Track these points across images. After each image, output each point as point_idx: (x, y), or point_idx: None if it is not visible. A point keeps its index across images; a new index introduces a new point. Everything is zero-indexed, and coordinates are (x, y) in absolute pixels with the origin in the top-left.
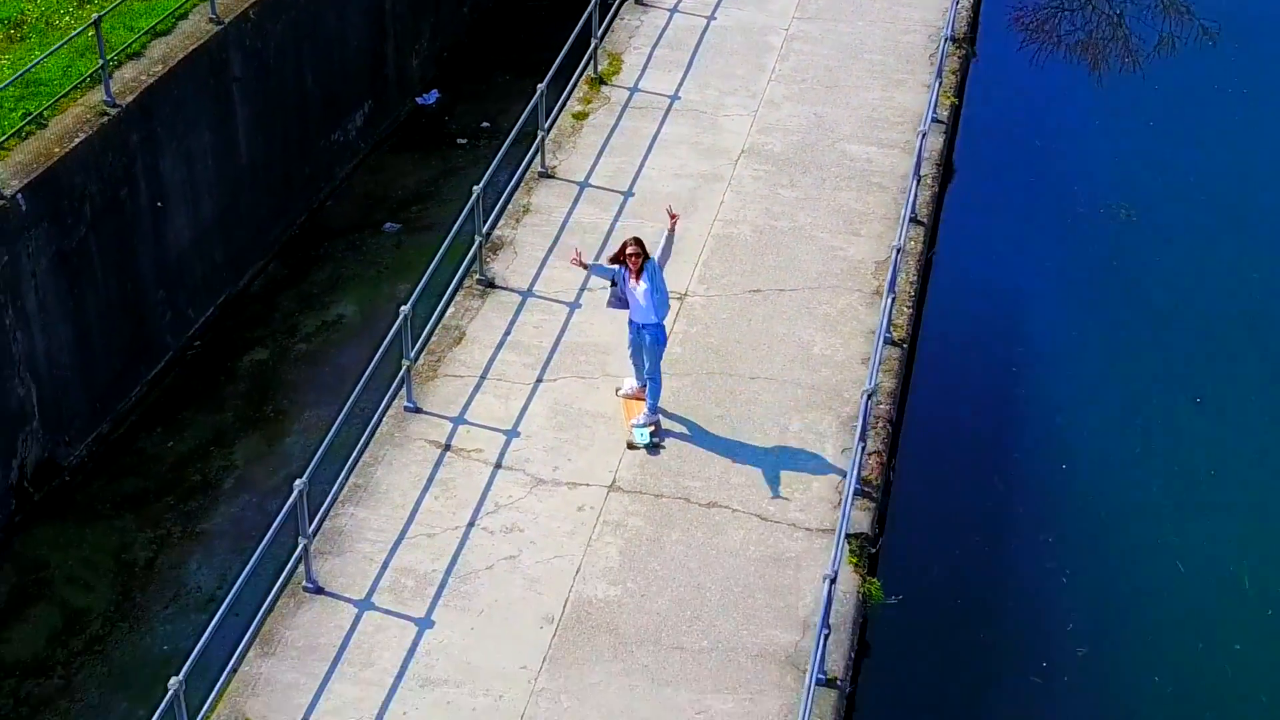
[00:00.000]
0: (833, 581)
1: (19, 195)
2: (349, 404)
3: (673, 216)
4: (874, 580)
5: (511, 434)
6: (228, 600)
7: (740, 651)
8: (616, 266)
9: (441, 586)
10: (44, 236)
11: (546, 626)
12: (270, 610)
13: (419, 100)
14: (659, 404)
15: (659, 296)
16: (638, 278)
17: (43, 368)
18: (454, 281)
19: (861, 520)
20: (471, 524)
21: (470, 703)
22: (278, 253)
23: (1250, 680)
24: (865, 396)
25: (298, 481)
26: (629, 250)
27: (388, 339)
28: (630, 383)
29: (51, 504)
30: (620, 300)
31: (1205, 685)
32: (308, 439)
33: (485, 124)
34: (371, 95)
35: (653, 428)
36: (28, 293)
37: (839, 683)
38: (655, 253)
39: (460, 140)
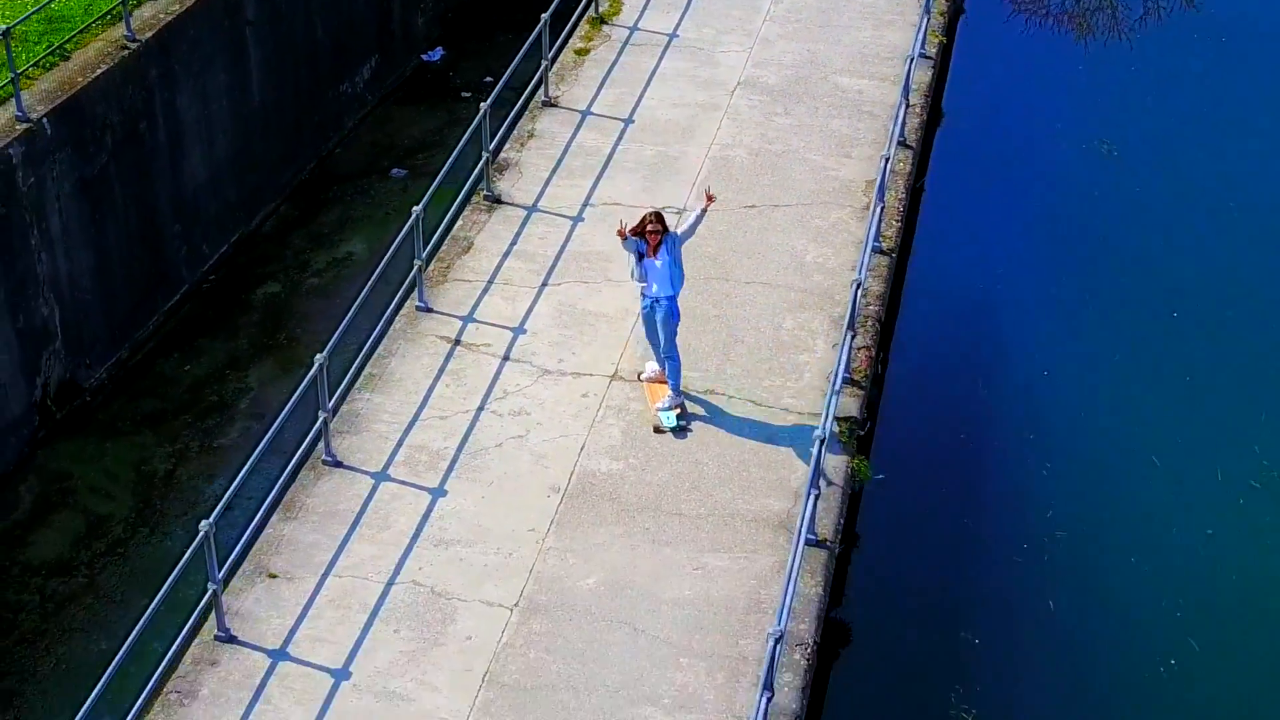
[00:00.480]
0: (823, 443)
1: (44, 120)
2: (363, 295)
3: (709, 198)
4: (862, 458)
5: (518, 331)
6: (250, 461)
7: (736, 517)
8: (637, 238)
9: (453, 461)
10: (68, 162)
11: (553, 495)
12: (291, 481)
13: (424, 57)
14: (681, 385)
15: (676, 270)
16: (655, 252)
17: (65, 290)
18: (460, 196)
19: (850, 405)
20: (481, 408)
21: (482, 560)
22: (288, 196)
23: (1228, 571)
24: (855, 286)
25: (318, 356)
26: (648, 226)
27: (398, 238)
28: (652, 366)
29: (73, 421)
30: (640, 273)
31: (1178, 568)
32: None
33: (488, 79)
34: (378, 50)
35: (678, 410)
36: (52, 215)
37: (828, 543)
38: (682, 227)
39: (465, 94)
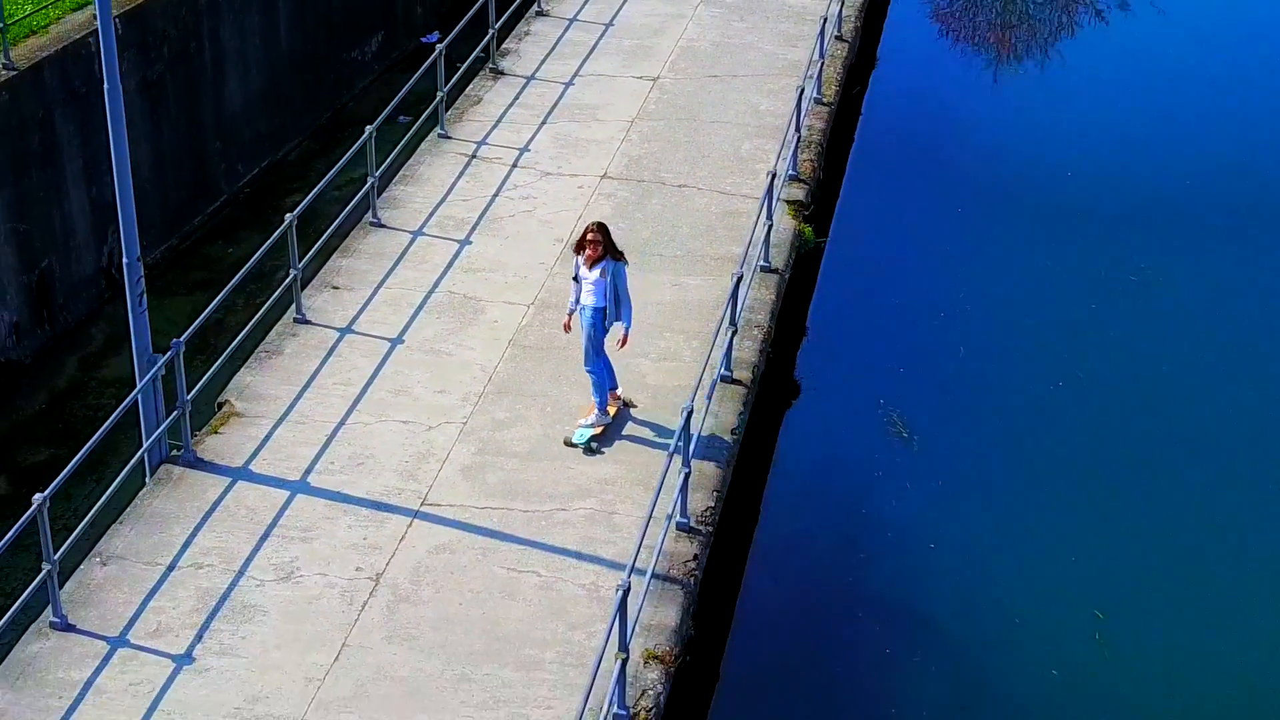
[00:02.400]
0: (772, 176)
1: (118, 19)
2: (386, 111)
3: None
4: (807, 226)
5: (523, 150)
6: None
7: (705, 257)
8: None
9: (475, 225)
10: (133, 61)
11: (557, 244)
12: (346, 236)
13: (422, 39)
14: (608, 404)
15: (612, 293)
16: (592, 265)
17: (132, 170)
18: (465, 65)
19: (798, 193)
20: (496, 195)
21: (502, 279)
22: (310, 135)
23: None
24: (798, 92)
25: (368, 127)
26: (588, 236)
27: (421, 69)
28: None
29: None
30: (575, 291)
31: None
32: None
33: (482, 55)
34: (384, 28)
35: (598, 430)
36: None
37: (781, 270)
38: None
39: (459, 64)
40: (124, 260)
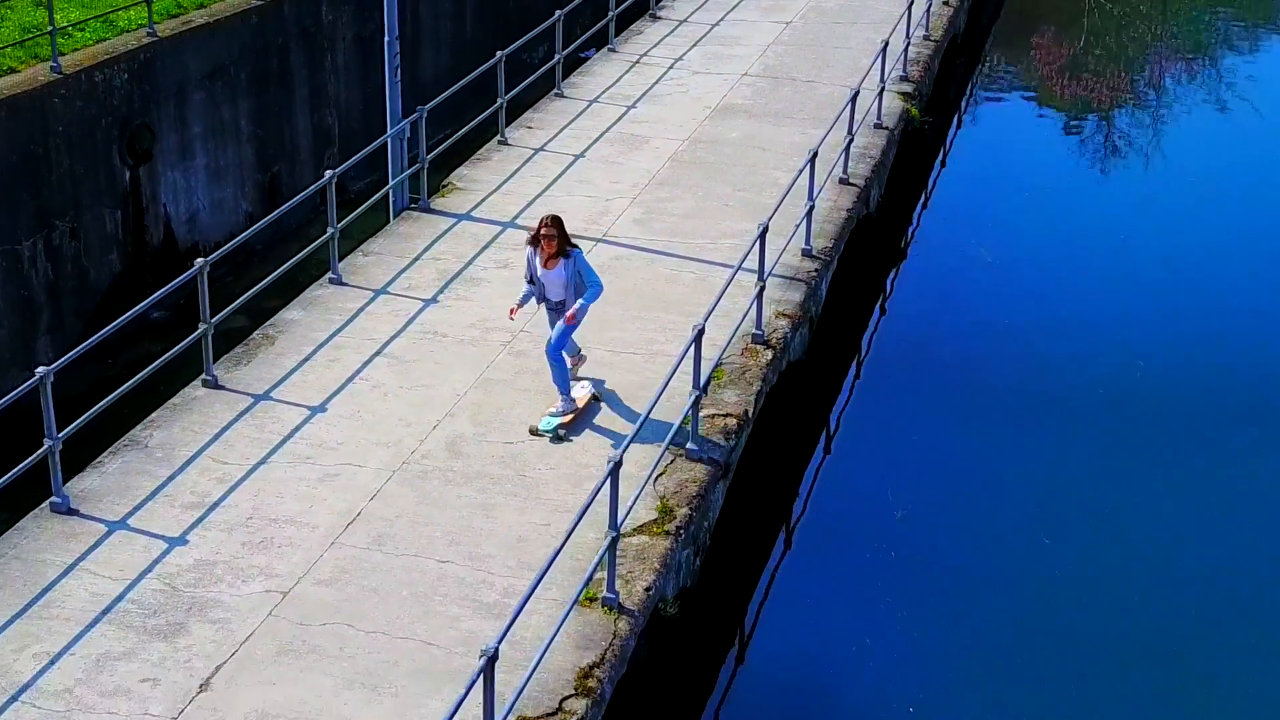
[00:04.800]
0: (882, 92)
1: None
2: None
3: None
4: (914, 107)
5: (678, 60)
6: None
7: (827, 119)
8: (529, 249)
9: (639, 98)
10: (350, 16)
11: (705, 110)
12: (535, 107)
13: (582, 54)
14: (570, 390)
15: (574, 281)
16: (549, 263)
17: (342, 111)
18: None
19: (907, 87)
20: (656, 82)
21: (661, 127)
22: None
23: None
24: (906, 43)
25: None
26: (542, 230)
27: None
28: (584, 386)
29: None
30: (532, 293)
31: None
32: None
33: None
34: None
35: (567, 417)
36: (339, 52)
37: (891, 129)
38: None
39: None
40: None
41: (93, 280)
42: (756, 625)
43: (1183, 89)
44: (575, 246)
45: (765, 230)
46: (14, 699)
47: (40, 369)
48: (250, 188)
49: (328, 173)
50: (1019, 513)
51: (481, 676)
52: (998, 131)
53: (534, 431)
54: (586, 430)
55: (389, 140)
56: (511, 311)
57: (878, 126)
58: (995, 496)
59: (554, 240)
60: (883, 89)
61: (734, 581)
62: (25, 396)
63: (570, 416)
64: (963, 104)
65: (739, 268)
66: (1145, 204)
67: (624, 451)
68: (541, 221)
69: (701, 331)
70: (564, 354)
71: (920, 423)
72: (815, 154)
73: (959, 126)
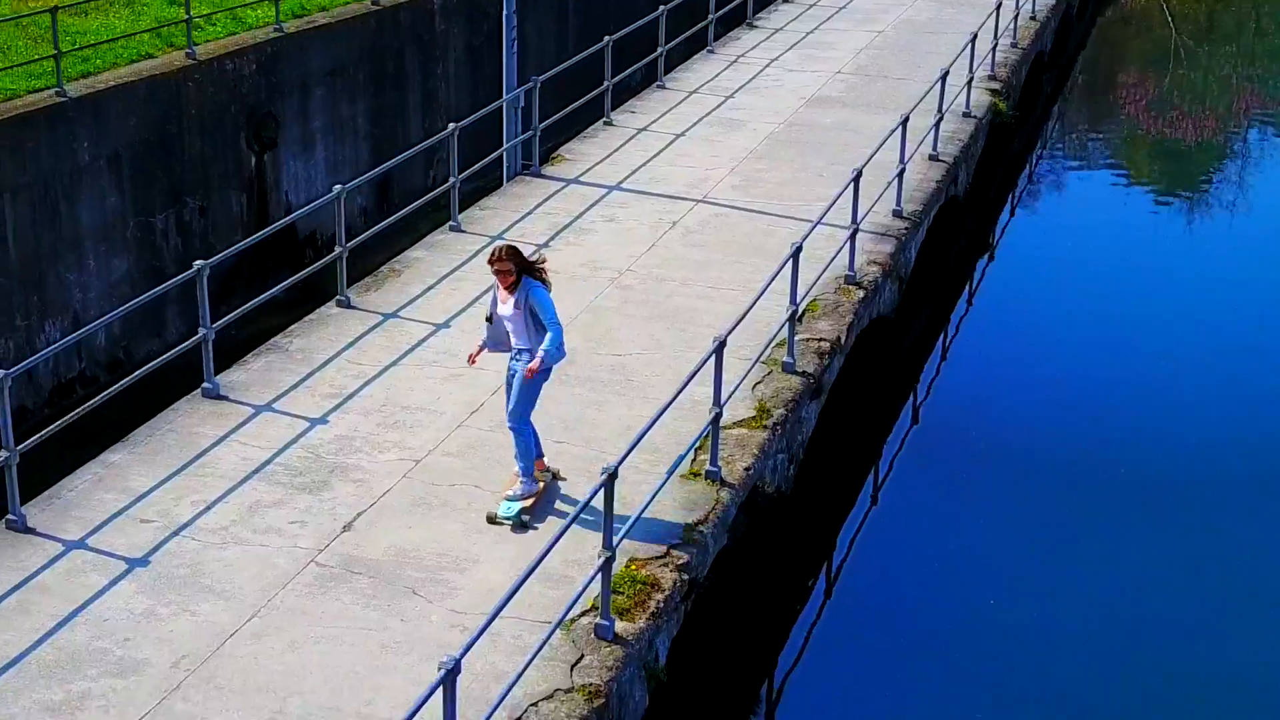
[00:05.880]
0: (971, 82)
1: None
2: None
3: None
4: (1001, 101)
5: (774, 60)
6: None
7: (919, 111)
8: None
9: (737, 89)
10: (461, 27)
11: (799, 100)
12: (635, 95)
13: None
14: (533, 471)
15: (535, 324)
16: (507, 294)
17: (453, 119)
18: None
19: (995, 85)
20: (753, 78)
21: (758, 112)
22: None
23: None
24: (995, 18)
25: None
26: (494, 267)
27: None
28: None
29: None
30: (496, 340)
31: None
32: None
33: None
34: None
35: (528, 501)
36: (449, 61)
37: (979, 118)
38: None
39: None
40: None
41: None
42: (851, 535)
43: (1271, 137)
44: (536, 277)
45: (859, 175)
46: (175, 534)
47: (198, 262)
48: (366, 186)
49: (450, 125)
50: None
51: (603, 490)
52: (1081, 156)
53: (492, 519)
54: (686, 343)
55: (504, 106)
56: (471, 357)
57: (965, 115)
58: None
59: (510, 275)
60: (971, 78)
61: (826, 494)
62: (180, 292)
63: (532, 500)
64: (1048, 124)
65: (825, 214)
66: (1229, 255)
67: (728, 335)
68: (494, 252)
69: (799, 251)
70: (530, 426)
71: (1011, 405)
72: (907, 118)
73: (1044, 148)
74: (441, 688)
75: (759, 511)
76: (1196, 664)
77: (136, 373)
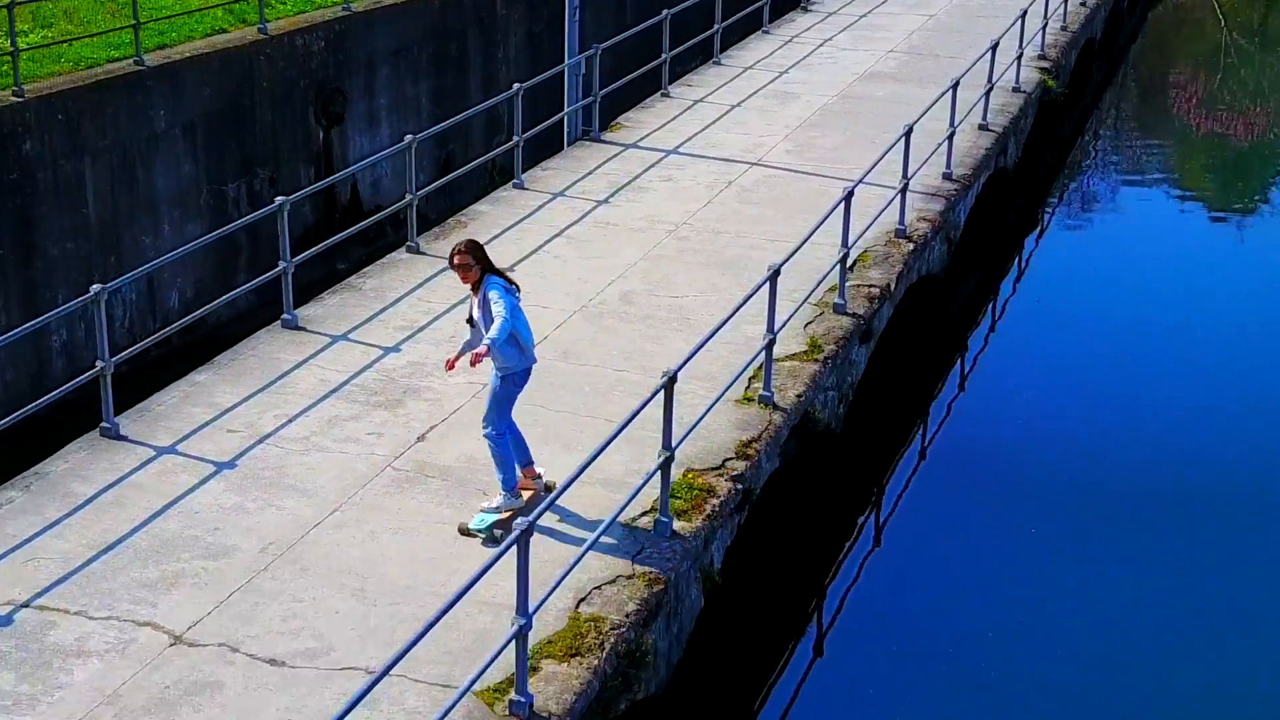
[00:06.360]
0: (1020, 58)
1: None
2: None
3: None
4: (1050, 79)
5: (827, 40)
6: None
7: (968, 85)
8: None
9: (791, 66)
10: (521, 13)
11: (852, 76)
12: (688, 73)
13: None
14: (515, 483)
15: (498, 323)
16: (475, 291)
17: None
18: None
19: (1044, 64)
20: (806, 55)
21: (813, 87)
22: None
23: None
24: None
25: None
26: (455, 260)
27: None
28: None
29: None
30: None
31: None
32: None
33: None
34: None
35: (504, 515)
36: (511, 43)
37: (1028, 92)
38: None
39: None
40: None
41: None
42: (902, 480)
43: None
44: (501, 275)
45: (910, 131)
46: (259, 442)
47: (279, 198)
48: (428, 162)
49: (515, 85)
50: None
51: (662, 393)
52: (1129, 146)
53: (464, 531)
54: (741, 287)
55: (565, 71)
56: (449, 363)
57: (1015, 90)
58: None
59: (471, 270)
60: (1020, 54)
61: (875, 437)
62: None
63: (509, 514)
64: (1098, 110)
65: (876, 164)
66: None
67: (781, 265)
68: (454, 249)
69: (850, 195)
70: (508, 439)
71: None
72: (956, 83)
73: (1094, 133)
74: (516, 547)
75: (810, 442)
76: (1227, 690)
77: (221, 299)
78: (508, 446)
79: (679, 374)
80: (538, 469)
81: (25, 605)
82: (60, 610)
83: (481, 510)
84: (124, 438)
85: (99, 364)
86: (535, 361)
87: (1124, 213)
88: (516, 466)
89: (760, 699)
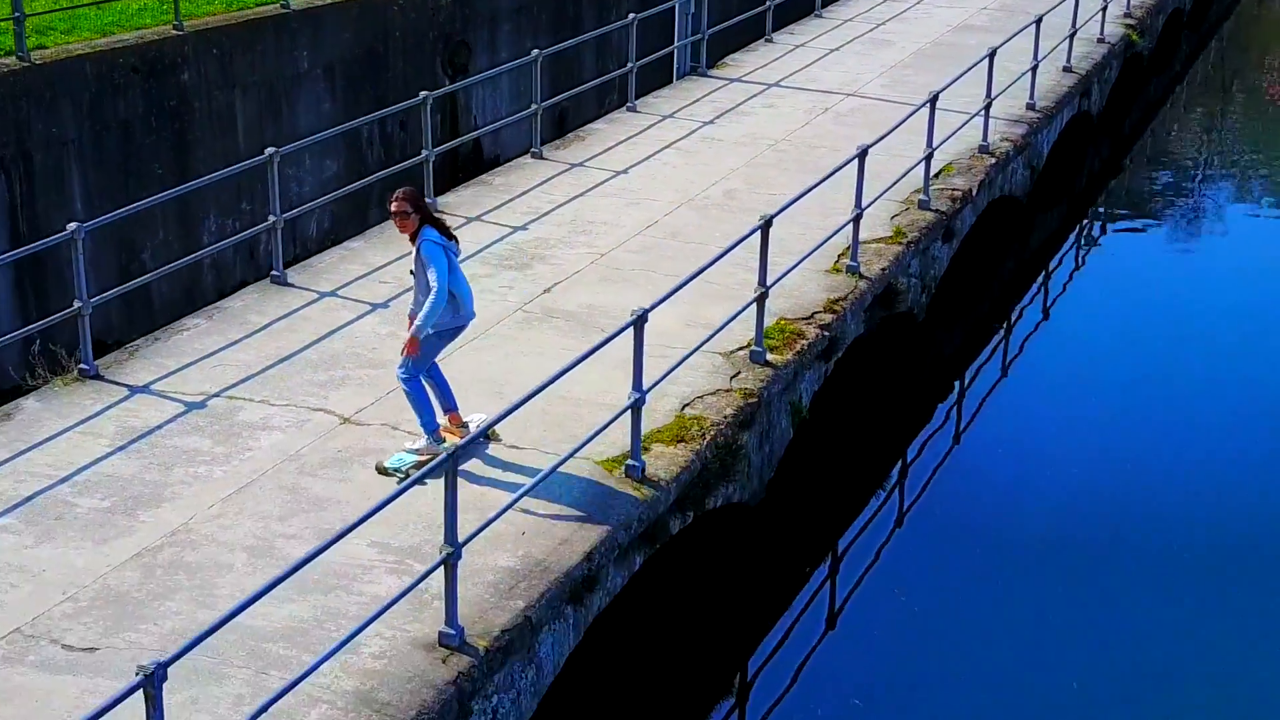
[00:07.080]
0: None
1: None
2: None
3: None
4: (1135, 34)
5: (848, 42)
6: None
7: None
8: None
9: (807, 66)
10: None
11: (874, 70)
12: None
13: None
14: (437, 427)
15: (423, 281)
16: (413, 240)
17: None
18: None
19: (1129, 20)
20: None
21: (831, 81)
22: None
23: None
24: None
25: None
26: (391, 207)
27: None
28: (478, 417)
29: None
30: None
31: None
32: None
33: None
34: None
35: (425, 457)
36: (623, 10)
37: (1112, 44)
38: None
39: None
40: None
41: (414, 170)
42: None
43: None
44: (440, 226)
45: (994, 53)
46: (407, 290)
47: (269, 149)
48: (543, 114)
49: (631, 15)
50: None
51: (759, 233)
52: (1214, 120)
53: (381, 470)
54: (834, 188)
55: (676, 8)
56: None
57: (1100, 40)
58: None
59: (409, 218)
60: (1105, 5)
61: (954, 328)
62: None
63: (430, 456)
64: (1186, 78)
65: (961, 76)
66: None
67: (869, 147)
68: (392, 196)
69: (936, 98)
70: (418, 383)
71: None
72: (1040, 19)
73: (1181, 96)
74: (634, 336)
75: (893, 320)
76: None
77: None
78: (421, 390)
79: (774, 224)
80: (464, 416)
81: (216, 395)
82: (246, 399)
83: (405, 449)
84: (291, 284)
85: (270, 218)
86: (473, 317)
87: (1204, 193)
88: (439, 410)
89: (841, 539)
